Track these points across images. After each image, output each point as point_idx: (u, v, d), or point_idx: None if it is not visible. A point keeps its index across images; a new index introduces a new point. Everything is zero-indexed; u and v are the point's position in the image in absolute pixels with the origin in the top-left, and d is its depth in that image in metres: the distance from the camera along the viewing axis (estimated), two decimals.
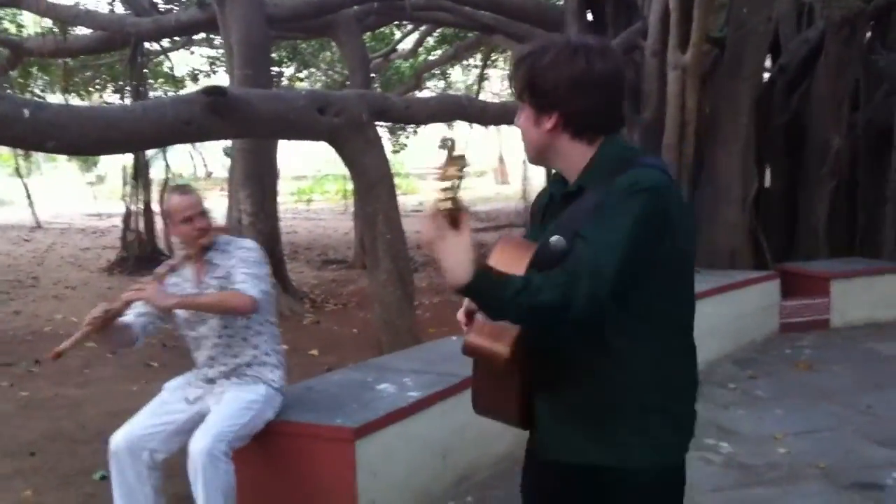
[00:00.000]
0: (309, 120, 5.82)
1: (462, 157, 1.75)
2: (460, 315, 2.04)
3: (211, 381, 3.74)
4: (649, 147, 8.76)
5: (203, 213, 3.66)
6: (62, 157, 39.75)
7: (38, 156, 37.88)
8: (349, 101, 6.12)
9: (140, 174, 13.61)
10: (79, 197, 28.40)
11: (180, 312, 3.70)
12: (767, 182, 10.81)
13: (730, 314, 7.17)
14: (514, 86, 2.03)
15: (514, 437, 2.42)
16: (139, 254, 13.49)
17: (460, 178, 1.73)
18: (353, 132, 5.99)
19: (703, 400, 5.81)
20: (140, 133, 5.12)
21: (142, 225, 13.73)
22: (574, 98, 1.93)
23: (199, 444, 3.40)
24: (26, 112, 4.81)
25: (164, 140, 5.56)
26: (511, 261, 1.89)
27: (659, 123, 8.48)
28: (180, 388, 3.79)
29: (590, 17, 10.61)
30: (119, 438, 3.54)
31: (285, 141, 10.04)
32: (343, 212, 24.23)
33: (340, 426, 3.71)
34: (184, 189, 3.82)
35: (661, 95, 8.56)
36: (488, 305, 1.82)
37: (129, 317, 3.60)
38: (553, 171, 2.11)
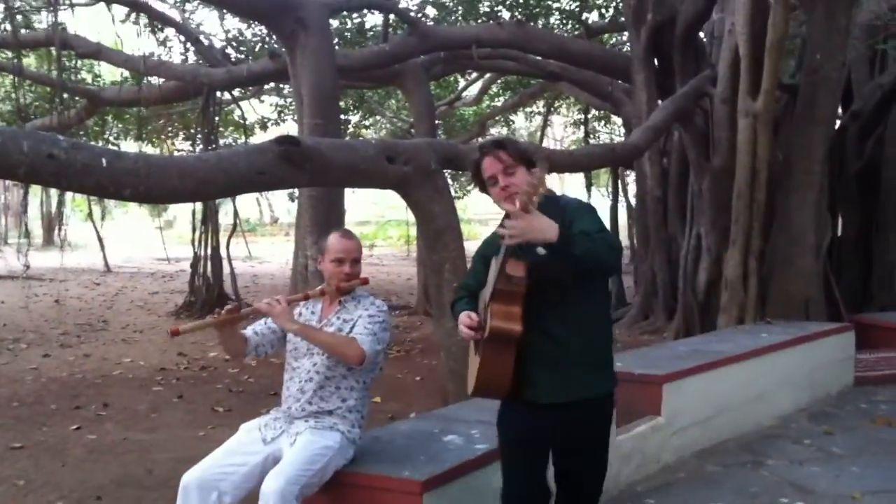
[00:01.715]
0: (379, 169, 5.84)
1: (542, 179, 2.71)
2: (465, 326, 3.12)
3: (291, 419, 3.77)
4: (720, 195, 8.68)
5: (355, 262, 3.86)
6: (133, 203, 40.86)
7: (110, 201, 38.99)
8: (418, 149, 6.15)
9: (208, 219, 13.83)
10: (148, 241, 28.99)
11: (292, 341, 3.88)
12: (839, 230, 10.60)
13: (804, 367, 6.98)
14: (505, 157, 3.07)
15: None
16: (207, 298, 13.67)
17: (537, 189, 2.68)
18: (421, 180, 6.02)
19: (778, 456, 5.66)
20: (213, 182, 5.17)
21: (210, 269, 13.91)
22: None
23: (272, 484, 3.39)
24: (104, 161, 4.88)
25: (236, 189, 5.64)
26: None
27: (729, 171, 8.38)
28: (257, 429, 3.81)
29: (656, 64, 10.62)
30: (191, 475, 3.55)
31: (352, 188, 10.12)
32: (405, 257, 24.36)
33: (408, 479, 3.65)
34: (348, 234, 3.98)
35: (731, 143, 8.47)
36: (569, 248, 2.76)
37: (248, 331, 3.89)
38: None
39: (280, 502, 3.35)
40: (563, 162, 6.99)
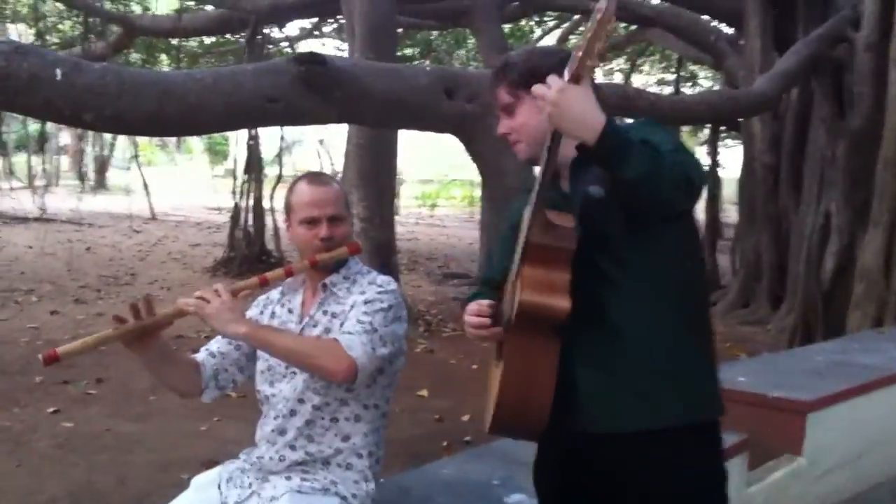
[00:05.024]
0: (433, 104, 4.47)
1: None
2: (472, 315, 2.00)
3: (265, 473, 2.39)
4: (858, 164, 7.12)
5: (336, 219, 2.40)
6: (197, 148, 39.96)
7: (172, 146, 38.31)
8: (485, 82, 4.68)
9: (252, 167, 12.58)
10: (206, 190, 27.99)
11: (265, 357, 2.46)
12: None
13: None
14: (507, 86, 2.01)
15: None
16: (246, 254, 12.48)
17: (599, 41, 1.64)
18: (489, 123, 4.54)
19: None
20: (207, 109, 3.85)
21: (252, 223, 12.71)
22: None
23: None
24: (59, 72, 3.62)
25: (239, 120, 4.26)
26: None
27: (873, 133, 6.81)
28: (215, 486, 2.43)
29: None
30: None
31: (407, 134, 8.72)
32: (469, 219, 22.98)
33: None
34: (318, 178, 2.51)
35: (876, 99, 6.92)
36: (622, 152, 1.70)
37: (200, 353, 2.53)
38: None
39: None
40: (670, 111, 5.45)
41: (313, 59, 4.02)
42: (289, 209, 2.45)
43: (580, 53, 1.65)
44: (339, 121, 4.56)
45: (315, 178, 2.49)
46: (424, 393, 6.39)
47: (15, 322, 8.35)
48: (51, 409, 5.70)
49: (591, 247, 1.87)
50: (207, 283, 11.15)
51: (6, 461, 4.78)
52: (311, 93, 4.01)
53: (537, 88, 1.73)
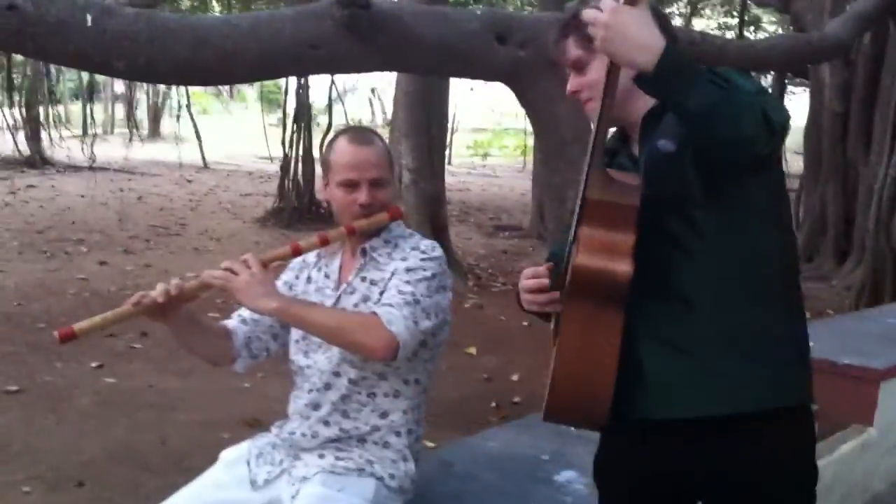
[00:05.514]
0: (483, 50, 4.22)
1: None
2: (527, 280, 1.79)
3: (297, 450, 2.24)
4: None
5: (378, 183, 2.19)
6: (251, 96, 39.94)
7: (226, 94, 38.32)
8: (541, 27, 4.40)
9: (302, 116, 12.40)
10: (259, 139, 28.01)
11: (294, 330, 2.29)
12: None
13: None
14: (578, 39, 1.75)
15: None
16: (296, 205, 12.36)
17: None
18: (543, 71, 4.28)
19: None
20: (244, 56, 3.65)
21: (301, 173, 12.57)
22: None
23: None
24: (89, 18, 3.46)
25: (277, 67, 4.06)
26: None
27: None
28: (244, 462, 2.28)
29: None
30: None
31: (459, 81, 8.46)
32: (521, 169, 22.65)
33: None
34: (361, 135, 2.28)
35: None
36: (686, 76, 1.47)
37: (232, 319, 2.37)
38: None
39: None
40: (740, 57, 5.10)
41: (356, 2, 3.79)
42: (326, 167, 2.24)
43: None
44: (383, 68, 4.34)
45: (357, 135, 2.27)
46: (473, 350, 6.23)
47: (63, 273, 8.32)
48: (93, 364, 5.64)
49: (660, 208, 1.65)
50: (258, 234, 11.08)
51: (47, 418, 4.72)
52: (354, 38, 3.78)
53: (588, 13, 1.52)
